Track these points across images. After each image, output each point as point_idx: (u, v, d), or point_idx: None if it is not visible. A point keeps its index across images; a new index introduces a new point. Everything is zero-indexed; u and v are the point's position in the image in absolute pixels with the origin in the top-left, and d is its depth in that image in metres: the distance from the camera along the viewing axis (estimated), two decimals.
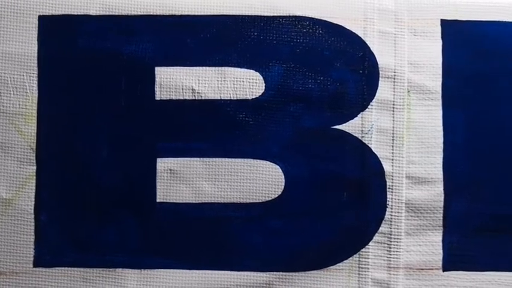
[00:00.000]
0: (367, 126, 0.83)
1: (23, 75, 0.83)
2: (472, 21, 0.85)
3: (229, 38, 0.83)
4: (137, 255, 0.82)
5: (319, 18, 0.84)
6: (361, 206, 0.83)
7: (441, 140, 0.83)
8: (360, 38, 0.84)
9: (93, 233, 0.82)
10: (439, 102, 0.84)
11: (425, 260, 0.83)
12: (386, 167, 0.83)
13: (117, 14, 0.83)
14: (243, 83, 0.83)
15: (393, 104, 0.84)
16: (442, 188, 0.83)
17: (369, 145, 0.83)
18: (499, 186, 0.83)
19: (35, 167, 0.82)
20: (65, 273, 0.82)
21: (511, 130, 0.83)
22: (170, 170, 0.82)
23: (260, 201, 0.82)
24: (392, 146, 0.83)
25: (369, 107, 0.83)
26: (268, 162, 0.83)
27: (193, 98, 0.83)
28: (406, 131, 0.84)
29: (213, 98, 0.83)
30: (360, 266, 0.82)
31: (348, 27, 0.84)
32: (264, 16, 0.84)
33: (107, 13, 0.83)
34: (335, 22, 0.84)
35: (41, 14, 0.83)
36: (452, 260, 0.83)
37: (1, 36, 0.83)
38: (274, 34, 0.83)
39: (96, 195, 0.82)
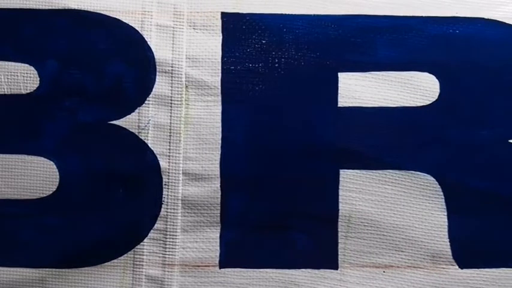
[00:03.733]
0: (144, 121, 0.82)
1: None
2: (253, 13, 0.83)
3: (2, 31, 0.82)
4: None
5: (93, 11, 0.82)
6: (136, 202, 0.81)
7: (219, 136, 0.82)
8: (137, 31, 0.82)
9: None
10: (219, 98, 0.82)
11: (202, 256, 0.82)
12: (163, 163, 0.82)
13: None
14: (16, 77, 0.81)
15: (171, 100, 0.82)
16: (219, 185, 0.82)
17: (146, 141, 0.82)
18: (277, 183, 0.82)
19: None
20: None
21: (290, 127, 0.82)
22: None
23: (34, 197, 0.81)
24: (169, 142, 0.82)
25: (146, 102, 0.82)
26: (43, 158, 0.81)
27: None
28: (183, 126, 0.82)
29: None
30: (135, 262, 0.82)
31: (124, 20, 0.82)
32: (38, 9, 0.82)
33: None
34: (111, 15, 0.82)
35: None
36: (230, 257, 0.82)
37: None
38: (49, 28, 0.82)
39: None
